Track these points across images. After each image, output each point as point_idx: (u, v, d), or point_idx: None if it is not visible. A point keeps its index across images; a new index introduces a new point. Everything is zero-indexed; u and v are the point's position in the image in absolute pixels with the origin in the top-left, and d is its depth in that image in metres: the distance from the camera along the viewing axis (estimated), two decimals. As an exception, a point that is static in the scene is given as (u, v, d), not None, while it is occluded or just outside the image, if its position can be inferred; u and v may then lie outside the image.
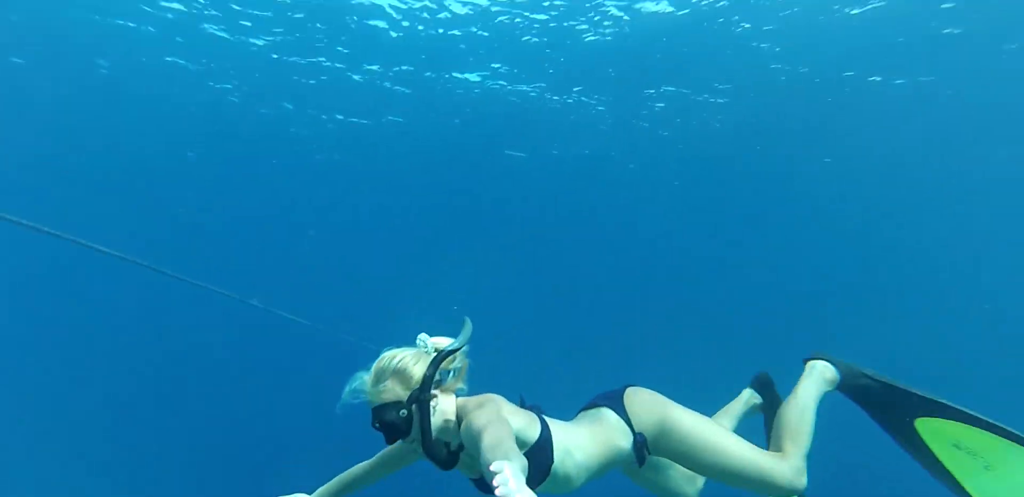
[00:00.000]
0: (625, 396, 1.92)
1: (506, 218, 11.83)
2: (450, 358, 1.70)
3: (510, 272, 11.20)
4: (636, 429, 1.83)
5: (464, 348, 1.75)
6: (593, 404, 1.96)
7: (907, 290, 10.68)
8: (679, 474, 2.08)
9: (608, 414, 1.87)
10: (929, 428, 2.01)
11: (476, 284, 10.07)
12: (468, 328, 1.78)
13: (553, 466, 1.68)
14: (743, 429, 2.22)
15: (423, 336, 1.76)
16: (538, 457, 1.63)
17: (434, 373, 1.65)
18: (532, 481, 1.44)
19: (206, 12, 7.04)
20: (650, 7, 6.57)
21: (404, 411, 1.62)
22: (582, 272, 12.25)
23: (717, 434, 1.85)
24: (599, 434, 1.82)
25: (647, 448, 1.82)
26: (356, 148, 10.34)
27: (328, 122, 9.61)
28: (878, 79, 7.72)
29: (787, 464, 1.80)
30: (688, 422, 1.83)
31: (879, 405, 2.14)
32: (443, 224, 12.00)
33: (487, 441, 1.35)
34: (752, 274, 11.48)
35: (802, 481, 1.79)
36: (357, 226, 12.38)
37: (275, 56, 7.86)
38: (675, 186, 10.95)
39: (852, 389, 2.15)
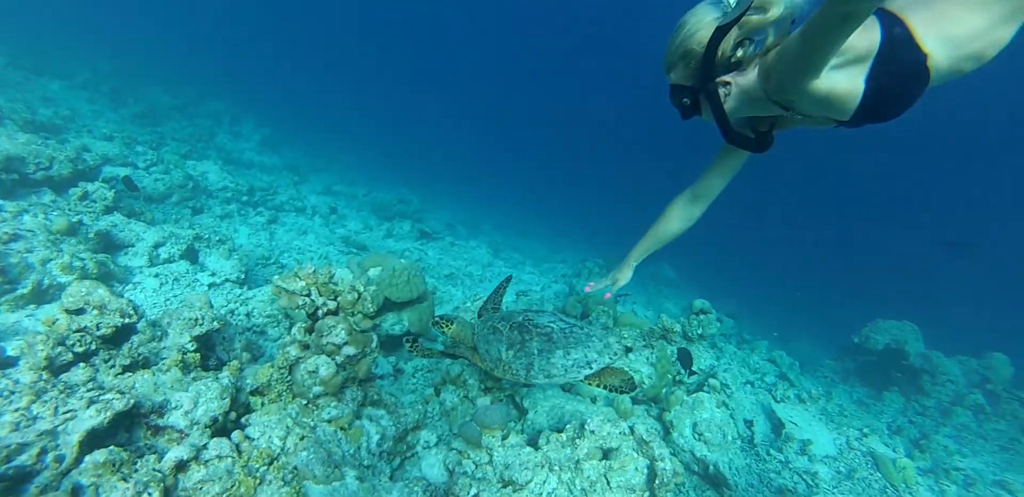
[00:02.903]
0: None
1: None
2: (742, 27, 1.33)
3: None
4: None
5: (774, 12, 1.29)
6: None
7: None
8: None
9: None
10: None
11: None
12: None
13: (933, 60, 1.30)
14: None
15: None
16: (894, 62, 1.27)
17: (706, 73, 1.38)
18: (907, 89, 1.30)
19: None
20: None
21: (686, 99, 1.47)
22: None
23: None
24: None
25: None
26: None
27: None
28: None
29: None
30: None
31: None
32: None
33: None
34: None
35: None
36: None
37: None
38: None
39: None
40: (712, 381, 4.14)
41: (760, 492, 3.75)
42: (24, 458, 1.80)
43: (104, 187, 4.59)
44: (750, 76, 1.40)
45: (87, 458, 1.83)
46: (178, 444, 2.04)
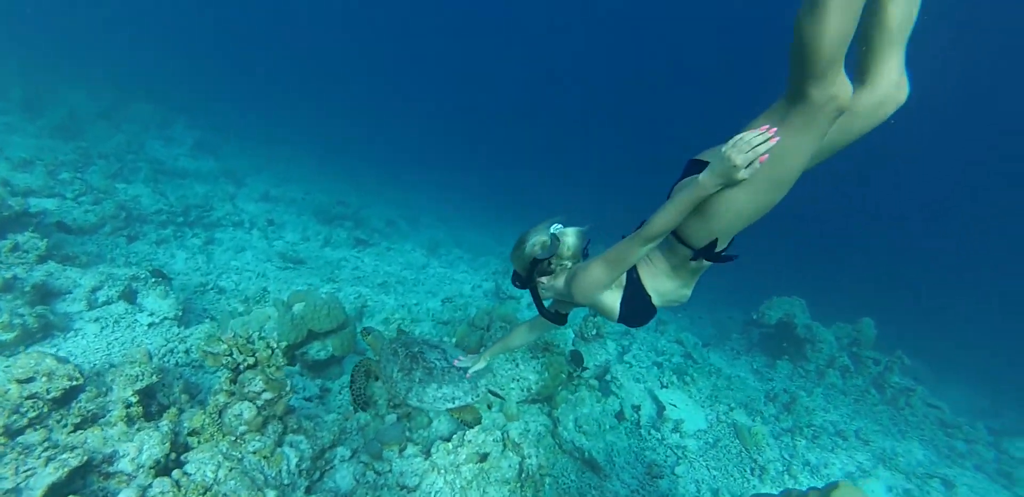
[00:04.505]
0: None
1: None
2: (551, 259, 2.19)
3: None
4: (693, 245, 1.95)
5: (570, 250, 2.18)
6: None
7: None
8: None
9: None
10: None
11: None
12: (558, 243, 2.16)
13: (653, 300, 2.16)
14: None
15: (556, 226, 2.18)
16: (633, 297, 2.14)
17: (532, 271, 2.22)
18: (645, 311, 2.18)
19: None
20: None
21: (519, 283, 2.34)
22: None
23: (745, 190, 1.72)
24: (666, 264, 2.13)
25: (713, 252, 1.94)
26: None
27: None
28: None
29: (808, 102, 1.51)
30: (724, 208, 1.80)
31: None
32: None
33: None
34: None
35: (844, 95, 1.49)
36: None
37: None
38: None
39: None
40: (592, 382, 4.93)
41: (634, 468, 4.60)
42: (1, 512, 2.34)
43: (35, 237, 4.90)
44: (559, 281, 2.27)
45: (53, 507, 2.40)
46: (127, 486, 2.62)
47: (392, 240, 11.02)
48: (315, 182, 15.07)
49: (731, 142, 1.65)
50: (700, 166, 1.86)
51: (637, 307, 2.17)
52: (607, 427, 4.58)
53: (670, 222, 1.83)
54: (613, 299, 2.16)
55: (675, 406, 5.45)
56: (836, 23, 1.34)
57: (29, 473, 2.49)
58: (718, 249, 1.94)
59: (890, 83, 1.63)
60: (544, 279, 2.29)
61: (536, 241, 2.19)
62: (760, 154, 1.61)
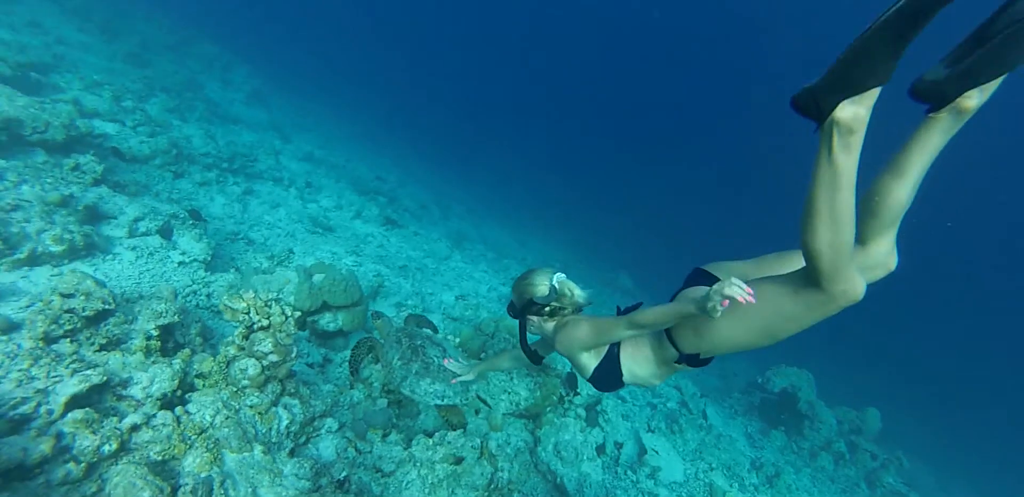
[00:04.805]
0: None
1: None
2: (544, 306, 2.28)
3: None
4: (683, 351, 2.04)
5: (573, 301, 2.28)
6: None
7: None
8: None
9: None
10: None
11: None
12: (554, 294, 2.24)
13: (623, 378, 2.26)
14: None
15: (560, 275, 2.29)
16: (606, 367, 2.25)
17: (524, 310, 2.34)
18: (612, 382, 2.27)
19: None
20: None
21: (512, 313, 2.44)
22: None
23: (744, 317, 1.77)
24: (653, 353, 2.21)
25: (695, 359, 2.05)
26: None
27: None
28: None
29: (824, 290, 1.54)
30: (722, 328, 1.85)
31: None
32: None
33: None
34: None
35: (855, 291, 1.52)
36: None
37: None
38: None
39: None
40: (581, 410, 4.98)
41: (601, 502, 4.64)
42: (25, 408, 2.49)
43: (94, 161, 5.11)
44: (548, 325, 2.38)
45: (69, 414, 2.54)
46: (135, 411, 2.76)
47: (421, 224, 11.16)
48: (358, 152, 15.29)
49: (726, 280, 1.64)
50: (700, 275, 2.07)
51: (606, 378, 2.29)
52: (585, 457, 4.63)
53: (657, 322, 1.96)
54: (589, 361, 2.29)
55: (657, 452, 5.47)
56: (830, 237, 1.42)
57: (57, 380, 2.64)
58: (701, 357, 2.05)
59: (881, 253, 1.73)
60: (535, 318, 2.39)
61: (539, 284, 2.31)
62: (725, 300, 1.61)
